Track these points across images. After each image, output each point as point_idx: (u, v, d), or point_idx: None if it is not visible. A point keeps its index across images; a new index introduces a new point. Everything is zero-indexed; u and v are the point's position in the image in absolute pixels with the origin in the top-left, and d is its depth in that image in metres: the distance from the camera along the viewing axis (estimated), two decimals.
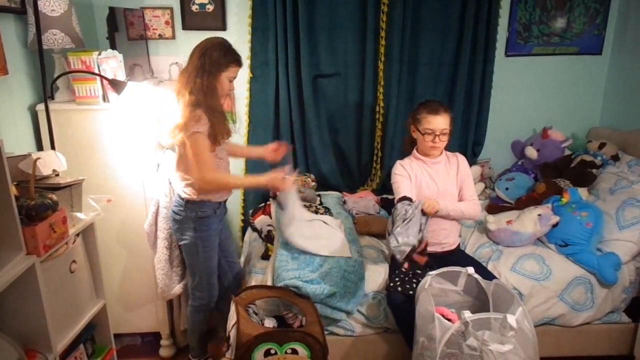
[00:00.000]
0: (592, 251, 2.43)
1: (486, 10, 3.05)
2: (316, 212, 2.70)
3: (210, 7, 3.01)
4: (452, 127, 2.36)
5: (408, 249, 2.13)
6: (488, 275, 2.20)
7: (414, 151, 2.44)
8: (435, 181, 2.39)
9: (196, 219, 2.15)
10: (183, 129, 2.00)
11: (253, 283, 2.36)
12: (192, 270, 2.31)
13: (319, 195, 3.02)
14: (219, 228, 2.30)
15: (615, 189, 2.70)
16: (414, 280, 2.21)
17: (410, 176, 2.38)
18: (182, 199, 2.16)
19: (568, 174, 2.98)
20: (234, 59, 2.11)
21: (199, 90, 2.02)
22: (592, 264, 2.38)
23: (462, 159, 2.44)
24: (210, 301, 2.36)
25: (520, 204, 2.86)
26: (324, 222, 2.60)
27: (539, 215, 2.56)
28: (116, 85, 2.19)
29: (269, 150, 2.38)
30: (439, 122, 2.30)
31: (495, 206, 3.01)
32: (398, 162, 2.45)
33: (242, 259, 2.78)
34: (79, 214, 1.84)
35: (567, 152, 3.22)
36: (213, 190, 2.11)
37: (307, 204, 2.77)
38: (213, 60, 2.04)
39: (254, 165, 3.02)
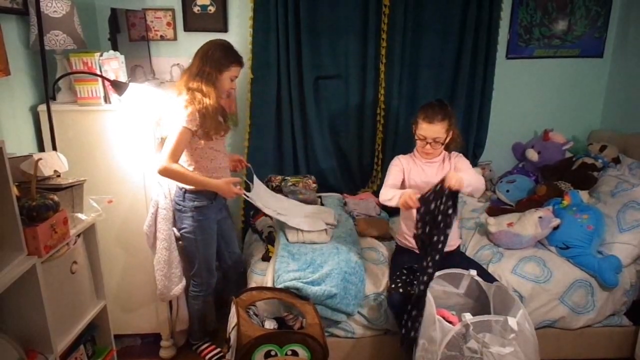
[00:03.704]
0: (592, 254, 2.43)
1: (487, 13, 3.05)
2: None
3: (211, 9, 3.01)
4: (451, 134, 2.36)
5: None
6: (488, 278, 2.20)
7: (415, 149, 2.45)
8: (430, 180, 2.38)
9: (194, 208, 2.29)
10: (174, 121, 2.13)
11: (253, 284, 2.36)
12: (191, 258, 2.43)
13: (319, 197, 3.02)
14: (219, 218, 2.42)
15: (616, 191, 2.70)
16: (415, 282, 2.21)
17: (404, 169, 2.42)
18: (181, 189, 2.29)
19: (569, 176, 2.98)
20: (235, 59, 2.23)
21: (197, 89, 2.14)
22: (592, 266, 2.38)
23: (458, 158, 2.43)
24: (208, 287, 2.48)
25: (521, 207, 2.85)
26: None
27: (540, 217, 2.56)
28: (118, 86, 2.20)
29: (233, 159, 2.55)
30: (431, 131, 2.30)
31: (496, 208, 3.00)
32: (398, 156, 2.50)
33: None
34: (80, 215, 1.84)
35: (568, 155, 3.22)
36: (170, 178, 2.21)
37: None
38: (215, 60, 2.16)
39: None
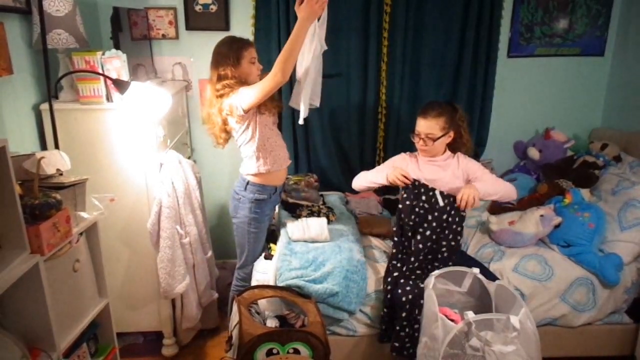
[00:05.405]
0: (594, 252, 2.43)
1: (488, 11, 3.05)
2: (318, 213, 2.70)
3: (213, 8, 3.02)
4: (451, 133, 2.35)
5: None
6: (490, 276, 2.20)
7: None
8: (426, 178, 2.37)
9: (253, 200, 2.33)
10: (232, 108, 2.15)
11: (255, 283, 2.37)
12: (240, 250, 2.49)
13: (321, 196, 3.03)
14: (270, 215, 2.47)
15: (617, 190, 2.70)
16: (418, 281, 2.21)
17: (401, 166, 2.42)
18: (244, 179, 2.34)
19: (570, 174, 2.98)
20: (241, 45, 2.22)
21: (228, 86, 2.16)
22: (594, 264, 2.38)
23: (461, 158, 2.43)
24: (250, 283, 2.46)
25: (523, 205, 2.85)
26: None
27: (541, 215, 2.56)
28: (120, 85, 2.20)
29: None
30: (423, 126, 2.32)
31: (497, 207, 3.00)
32: (403, 153, 2.53)
33: None
34: (82, 213, 1.84)
35: (570, 153, 3.22)
36: (291, 64, 2.06)
37: (310, 204, 2.77)
38: (223, 57, 2.18)
39: None
